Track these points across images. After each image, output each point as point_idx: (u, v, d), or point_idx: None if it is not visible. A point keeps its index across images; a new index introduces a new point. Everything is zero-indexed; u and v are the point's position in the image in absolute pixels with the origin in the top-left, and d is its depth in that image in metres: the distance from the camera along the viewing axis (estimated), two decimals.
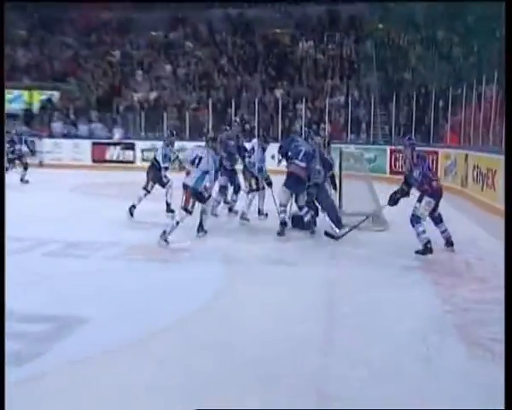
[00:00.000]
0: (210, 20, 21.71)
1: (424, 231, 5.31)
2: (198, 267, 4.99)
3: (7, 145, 11.10)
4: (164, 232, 5.70)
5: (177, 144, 16.54)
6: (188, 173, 6.25)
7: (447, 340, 3.31)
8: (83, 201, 9.62)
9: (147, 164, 16.22)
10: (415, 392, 2.67)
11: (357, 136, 16.19)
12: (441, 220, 5.59)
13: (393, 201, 5.69)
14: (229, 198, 8.00)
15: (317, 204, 6.70)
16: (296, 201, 6.60)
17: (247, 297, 4.06)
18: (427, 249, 5.25)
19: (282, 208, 6.45)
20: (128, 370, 2.85)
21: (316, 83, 18.61)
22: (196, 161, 6.07)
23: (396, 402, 2.53)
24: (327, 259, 5.44)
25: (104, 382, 2.70)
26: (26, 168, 11.85)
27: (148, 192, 7.68)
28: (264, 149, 7.57)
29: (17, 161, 11.77)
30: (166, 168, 7.88)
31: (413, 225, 5.36)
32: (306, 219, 6.42)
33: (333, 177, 7.16)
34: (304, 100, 16.68)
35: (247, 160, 7.52)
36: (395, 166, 13.74)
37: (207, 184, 5.99)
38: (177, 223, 5.83)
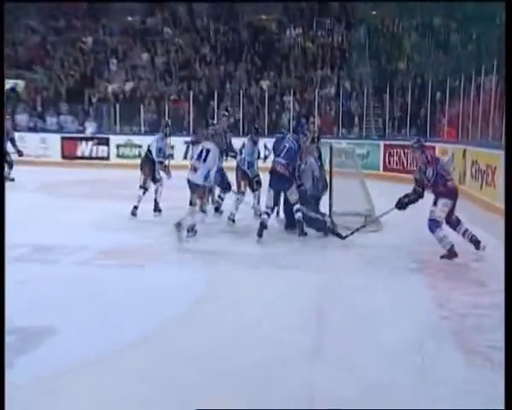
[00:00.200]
0: (190, 5, 21.64)
1: (446, 236, 5.33)
2: (178, 272, 4.97)
3: None
4: (188, 230, 6.06)
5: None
6: (195, 169, 6.28)
7: (443, 348, 3.33)
8: (51, 201, 9.49)
9: (122, 161, 16.55)
10: (409, 405, 2.68)
11: (349, 130, 16.27)
12: (459, 222, 5.56)
13: (403, 204, 5.70)
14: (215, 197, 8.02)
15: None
16: (285, 201, 6.60)
17: (232, 303, 4.05)
18: (451, 254, 5.28)
19: (265, 210, 6.48)
20: (102, 386, 2.82)
21: (304, 73, 18.64)
22: (203, 155, 6.18)
23: None
24: (317, 262, 5.45)
25: (77, 399, 2.67)
26: (10, 166, 11.72)
27: (146, 190, 7.71)
28: (255, 142, 7.58)
29: None
30: (161, 163, 7.87)
31: (432, 231, 5.35)
32: (296, 217, 6.42)
33: (323, 174, 7.18)
34: (292, 92, 16.71)
35: (238, 157, 7.56)
36: (389, 162, 13.83)
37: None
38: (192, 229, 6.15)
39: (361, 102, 16.24)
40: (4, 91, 12.69)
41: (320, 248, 5.99)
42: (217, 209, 7.94)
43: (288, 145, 6.52)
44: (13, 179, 11.53)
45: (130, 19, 21.76)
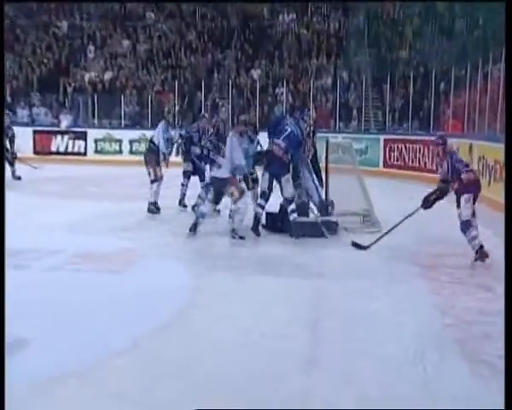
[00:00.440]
0: None
1: (476, 237, 5.35)
2: (159, 278, 4.92)
3: None
4: (233, 229, 6.27)
5: (138, 133, 16.62)
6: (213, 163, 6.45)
7: (448, 358, 3.31)
8: (21, 200, 9.39)
9: (100, 157, 16.49)
10: None
11: (347, 123, 16.32)
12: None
13: (428, 203, 5.72)
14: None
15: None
16: (281, 192, 6.61)
17: (218, 313, 4.01)
18: (482, 254, 5.32)
19: (259, 201, 6.47)
20: (75, 405, 2.77)
21: (299, 62, 18.68)
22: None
23: None
24: (311, 265, 5.43)
25: None
26: (11, 163, 11.69)
27: (161, 179, 7.88)
28: (251, 140, 7.58)
29: None
30: (164, 155, 7.93)
31: (464, 232, 5.39)
32: (291, 217, 6.40)
33: (318, 171, 7.19)
34: (285, 82, 16.72)
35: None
36: (390, 158, 13.88)
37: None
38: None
39: (359, 93, 16.28)
40: (4, 91, 12.67)
41: (314, 251, 5.96)
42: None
43: (289, 129, 6.55)
44: (19, 178, 11.63)
45: (108, 2, 21.63)
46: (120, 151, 16.74)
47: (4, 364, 2.52)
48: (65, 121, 17.17)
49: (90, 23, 21.10)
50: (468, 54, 13.35)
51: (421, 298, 4.43)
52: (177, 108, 16.66)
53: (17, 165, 11.90)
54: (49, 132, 16.88)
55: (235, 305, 4.19)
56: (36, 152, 16.51)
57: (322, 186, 7.21)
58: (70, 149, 16.79)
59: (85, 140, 16.77)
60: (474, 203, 5.49)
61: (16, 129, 16.56)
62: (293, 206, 6.47)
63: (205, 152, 7.88)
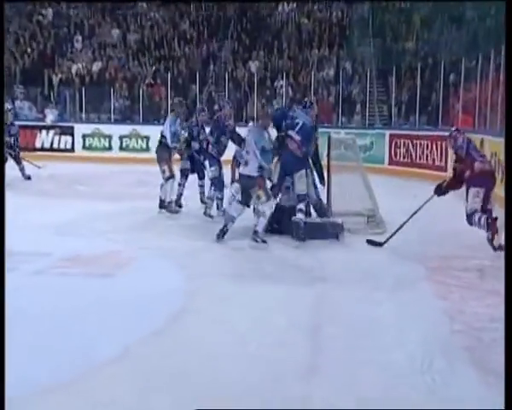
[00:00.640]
0: None
1: (481, 218, 5.59)
2: (152, 281, 4.94)
3: None
4: (255, 232, 6.18)
5: (129, 129, 16.63)
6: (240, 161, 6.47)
7: (456, 366, 3.34)
8: (6, 199, 9.41)
9: (89, 153, 16.48)
10: None
11: (350, 118, 16.34)
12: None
13: (441, 190, 6.05)
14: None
15: None
16: (293, 189, 6.60)
17: (213, 320, 4.04)
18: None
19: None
20: None
21: (299, 53, 18.70)
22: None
23: None
24: (311, 268, 5.45)
25: None
26: (18, 162, 11.70)
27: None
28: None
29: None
30: (175, 149, 7.98)
31: (471, 224, 5.69)
32: (297, 218, 6.41)
33: (320, 168, 7.21)
34: (284, 75, 16.73)
35: (236, 149, 7.69)
36: (395, 154, 13.91)
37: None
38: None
39: (363, 86, 16.32)
40: (4, 91, 12.67)
41: (313, 252, 5.99)
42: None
43: (301, 122, 6.52)
44: (29, 177, 11.63)
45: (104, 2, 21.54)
46: (110, 148, 16.75)
47: (4, 364, 2.56)
48: (50, 116, 17.15)
49: (78, 11, 21.10)
50: (479, 43, 13.37)
51: (428, 303, 4.46)
52: (169, 101, 16.67)
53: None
54: (33, 128, 16.85)
55: (232, 310, 4.22)
56: (19, 148, 16.44)
57: (324, 185, 7.24)
58: (56, 146, 16.78)
59: (72, 136, 16.76)
60: (487, 198, 5.65)
61: None
62: (302, 205, 6.45)
63: (204, 145, 7.90)
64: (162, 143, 8.02)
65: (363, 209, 7.23)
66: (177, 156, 8.27)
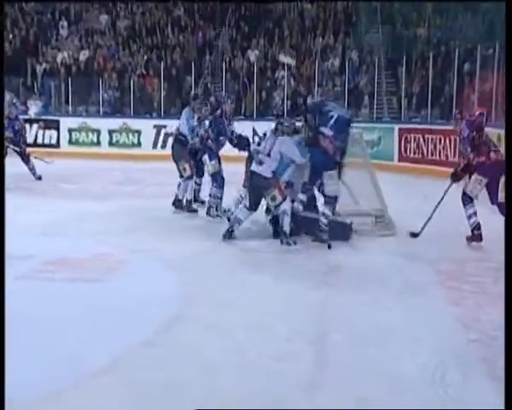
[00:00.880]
0: None
1: (474, 214, 5.95)
2: (144, 287, 4.95)
3: None
4: (284, 234, 6.28)
5: (119, 123, 16.63)
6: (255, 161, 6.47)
7: (471, 378, 3.35)
8: None
9: (75, 149, 16.48)
10: None
11: (357, 111, 16.33)
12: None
13: (456, 176, 6.42)
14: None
15: None
16: (320, 189, 6.63)
17: (209, 326, 4.05)
18: (474, 237, 5.95)
19: (301, 195, 6.50)
20: None
21: (302, 42, 18.71)
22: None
23: None
24: (315, 273, 5.48)
25: None
26: (26, 161, 11.72)
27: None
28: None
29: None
30: (193, 145, 8.03)
31: (464, 206, 6.04)
32: (324, 221, 6.43)
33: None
34: (286, 65, 16.73)
35: (253, 146, 7.67)
36: (405, 150, 13.91)
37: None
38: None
39: (371, 76, 16.31)
40: (4, 91, 12.71)
41: (319, 255, 6.01)
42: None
43: (336, 115, 6.38)
44: (40, 178, 11.61)
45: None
46: (98, 143, 16.77)
47: (4, 364, 2.65)
48: (34, 108, 17.17)
49: None
50: (496, 31, 13.35)
51: (440, 310, 4.48)
52: (162, 93, 16.69)
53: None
54: None
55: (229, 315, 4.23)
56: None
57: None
58: (40, 141, 16.78)
59: (58, 130, 16.78)
60: (496, 189, 5.96)
61: None
62: (327, 209, 6.43)
63: (204, 139, 7.92)
64: (179, 140, 8.02)
65: (371, 209, 7.23)
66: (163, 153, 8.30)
